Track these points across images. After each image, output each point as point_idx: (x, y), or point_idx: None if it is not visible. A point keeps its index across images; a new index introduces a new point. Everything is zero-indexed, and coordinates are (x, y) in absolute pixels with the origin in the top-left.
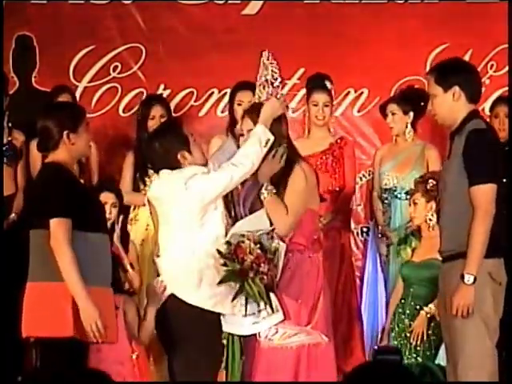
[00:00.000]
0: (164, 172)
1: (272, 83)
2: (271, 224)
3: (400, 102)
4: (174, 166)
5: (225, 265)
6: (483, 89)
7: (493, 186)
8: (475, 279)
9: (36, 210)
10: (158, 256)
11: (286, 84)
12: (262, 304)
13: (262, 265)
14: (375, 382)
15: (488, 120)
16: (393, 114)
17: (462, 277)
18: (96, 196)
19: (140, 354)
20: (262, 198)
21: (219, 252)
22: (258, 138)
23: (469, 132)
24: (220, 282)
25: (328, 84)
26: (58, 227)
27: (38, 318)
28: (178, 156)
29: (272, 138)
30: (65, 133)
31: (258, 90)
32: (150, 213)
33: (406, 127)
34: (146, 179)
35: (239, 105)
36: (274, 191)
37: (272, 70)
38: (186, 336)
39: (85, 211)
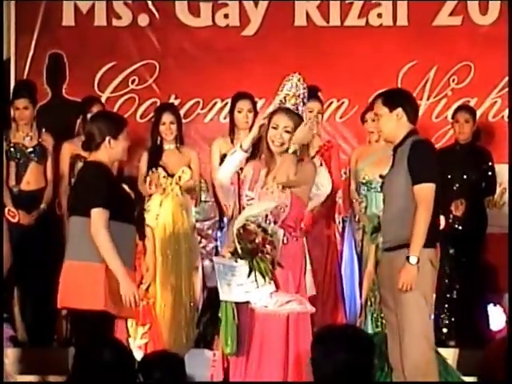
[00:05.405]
0: None
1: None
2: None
3: None
4: None
5: (239, 243)
6: (445, 99)
7: (433, 185)
8: (418, 260)
9: (80, 200)
10: None
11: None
12: (267, 278)
13: (267, 246)
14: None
15: (450, 125)
16: (373, 120)
17: (408, 258)
18: (127, 192)
19: (153, 323)
20: (288, 151)
21: (237, 234)
22: (233, 149)
23: (412, 142)
24: (239, 258)
25: (320, 95)
26: (99, 216)
27: (73, 291)
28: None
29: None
30: (107, 138)
31: (286, 99)
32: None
33: None
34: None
35: (239, 112)
36: (298, 153)
37: (303, 91)
38: None
39: (119, 204)
